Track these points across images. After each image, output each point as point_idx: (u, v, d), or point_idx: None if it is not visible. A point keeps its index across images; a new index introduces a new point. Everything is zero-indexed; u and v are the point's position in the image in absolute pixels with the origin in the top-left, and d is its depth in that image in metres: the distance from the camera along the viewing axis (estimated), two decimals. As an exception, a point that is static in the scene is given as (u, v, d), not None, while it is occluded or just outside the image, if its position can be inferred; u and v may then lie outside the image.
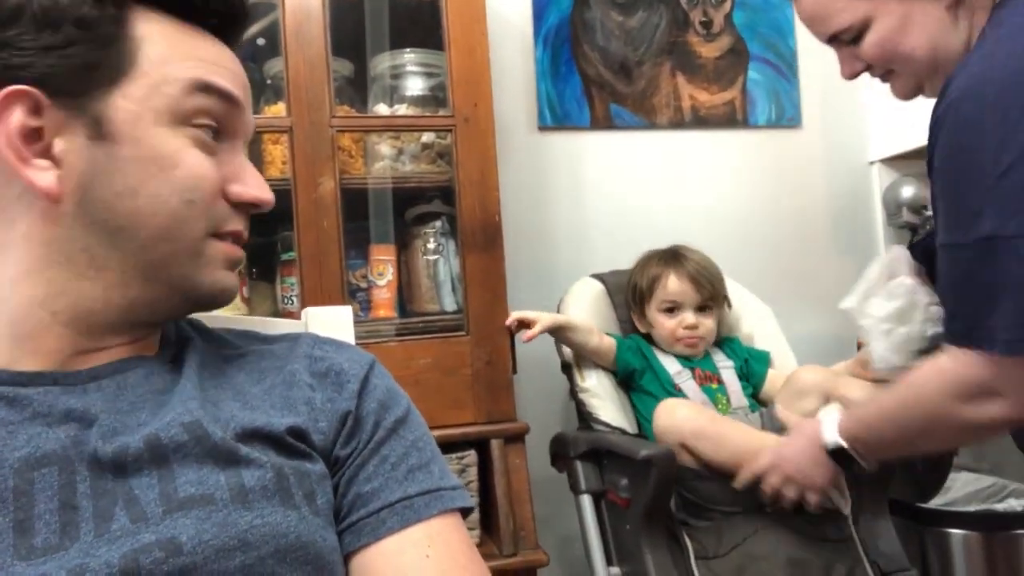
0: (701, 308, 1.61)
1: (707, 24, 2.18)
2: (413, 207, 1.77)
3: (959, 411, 0.94)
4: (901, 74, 0.98)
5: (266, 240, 1.67)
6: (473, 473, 1.60)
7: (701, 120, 2.17)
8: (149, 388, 0.58)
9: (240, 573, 0.51)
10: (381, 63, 1.76)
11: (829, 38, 1.00)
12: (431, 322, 1.65)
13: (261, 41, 1.63)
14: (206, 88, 0.58)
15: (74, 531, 0.50)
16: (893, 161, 2.24)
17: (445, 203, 1.73)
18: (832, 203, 2.26)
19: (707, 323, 1.61)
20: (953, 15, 0.91)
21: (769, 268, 2.11)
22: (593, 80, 2.09)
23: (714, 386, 1.59)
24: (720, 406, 1.56)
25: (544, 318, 1.60)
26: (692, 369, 1.60)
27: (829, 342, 2.00)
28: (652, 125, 2.13)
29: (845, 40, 0.98)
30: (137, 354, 0.60)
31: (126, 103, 0.55)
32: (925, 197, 2.07)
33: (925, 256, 1.04)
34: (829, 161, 2.27)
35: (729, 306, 1.72)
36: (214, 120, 0.59)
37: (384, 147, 1.71)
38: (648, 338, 1.67)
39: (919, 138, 2.09)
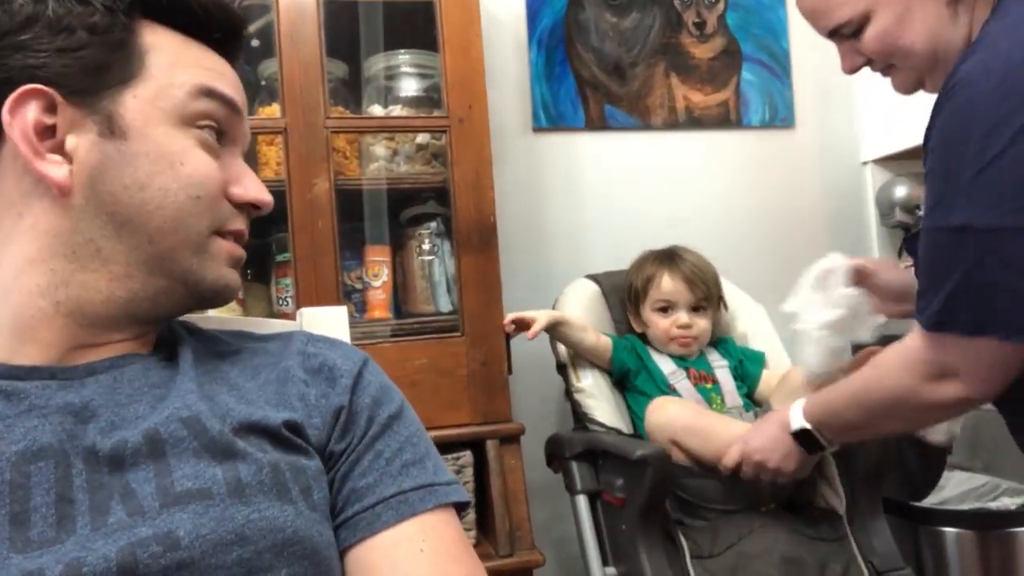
0: (695, 308, 1.62)
1: (700, 25, 2.19)
2: (408, 208, 1.77)
3: (920, 390, 0.97)
4: (902, 68, 0.98)
5: (261, 241, 1.67)
6: (469, 474, 1.60)
7: (695, 121, 2.18)
8: (146, 382, 0.59)
9: (237, 567, 0.51)
10: (375, 64, 1.76)
11: (830, 32, 1.00)
12: (426, 323, 1.66)
13: (255, 42, 1.63)
14: (210, 93, 0.61)
15: (70, 524, 0.50)
16: (886, 161, 2.25)
17: (440, 204, 1.73)
18: (825, 203, 2.27)
19: (701, 323, 1.62)
20: (953, 9, 0.91)
21: (763, 268, 2.11)
22: (587, 81, 2.10)
23: (709, 386, 1.59)
24: (715, 406, 1.56)
25: (542, 315, 1.61)
26: (687, 369, 1.60)
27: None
28: (646, 126, 2.14)
29: (846, 34, 0.98)
30: (133, 351, 0.61)
31: (136, 102, 0.58)
32: (918, 197, 2.08)
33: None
34: (822, 161, 2.28)
35: (725, 307, 1.73)
36: (217, 124, 0.62)
37: (379, 148, 1.71)
38: (643, 338, 1.67)
39: (912, 138, 2.12)
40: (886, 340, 1.95)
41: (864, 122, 2.28)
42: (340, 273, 1.57)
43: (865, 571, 1.40)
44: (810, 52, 2.26)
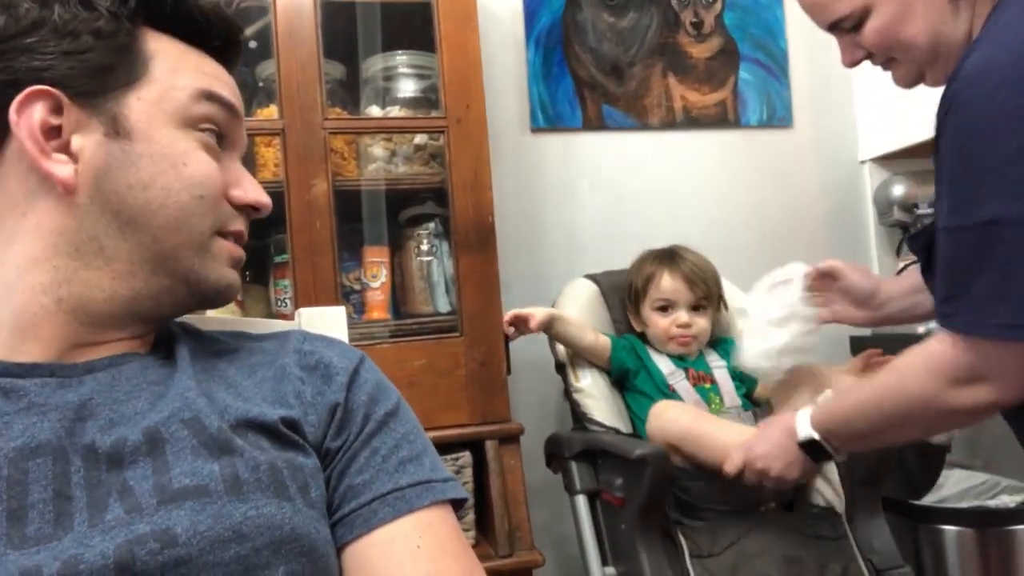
0: (695, 307, 1.62)
1: (698, 25, 2.19)
2: (406, 209, 1.77)
3: (946, 396, 0.94)
4: (902, 62, 0.97)
5: (259, 243, 1.67)
6: (468, 474, 1.60)
7: (693, 120, 2.18)
8: (144, 379, 0.59)
9: (235, 564, 0.51)
10: (373, 65, 1.76)
11: (830, 26, 0.99)
12: (425, 323, 1.66)
13: (253, 44, 1.63)
14: (211, 97, 0.62)
15: (68, 521, 0.50)
16: (884, 160, 2.25)
17: (438, 204, 1.73)
18: (823, 202, 2.27)
19: (700, 322, 1.62)
20: (954, 4, 0.91)
21: (761, 267, 2.09)
22: (585, 81, 2.10)
23: (707, 386, 1.59)
24: (714, 406, 1.56)
25: (540, 311, 1.61)
26: (686, 369, 1.61)
27: (821, 341, 2.00)
28: (644, 126, 2.14)
29: (846, 28, 0.97)
30: (132, 351, 0.62)
31: (140, 104, 0.60)
32: (915, 195, 2.08)
33: (925, 248, 1.01)
34: (820, 160, 2.28)
35: (725, 307, 1.73)
36: (217, 127, 0.63)
37: (377, 149, 1.71)
38: (643, 338, 1.67)
39: (909, 137, 2.12)
40: (884, 341, 1.96)
41: (862, 121, 2.29)
42: (339, 274, 1.57)
43: (865, 570, 1.40)
44: (808, 51, 2.26)
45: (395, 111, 1.72)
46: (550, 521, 1.84)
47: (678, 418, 1.44)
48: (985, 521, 1.60)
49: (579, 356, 1.65)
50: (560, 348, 1.67)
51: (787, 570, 1.33)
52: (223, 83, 0.65)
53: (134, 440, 0.54)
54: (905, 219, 2.12)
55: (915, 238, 1.07)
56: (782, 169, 2.24)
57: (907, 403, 1.00)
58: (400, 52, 1.74)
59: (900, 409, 1.01)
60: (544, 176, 2.06)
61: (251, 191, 0.65)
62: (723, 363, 1.64)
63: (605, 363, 1.64)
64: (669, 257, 1.64)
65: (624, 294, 1.71)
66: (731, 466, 1.28)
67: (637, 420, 1.60)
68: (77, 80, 0.58)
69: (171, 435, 0.55)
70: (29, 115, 0.57)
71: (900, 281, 1.30)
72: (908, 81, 1.00)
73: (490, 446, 1.59)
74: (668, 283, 1.61)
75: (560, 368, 1.68)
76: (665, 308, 1.62)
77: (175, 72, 0.61)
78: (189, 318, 0.71)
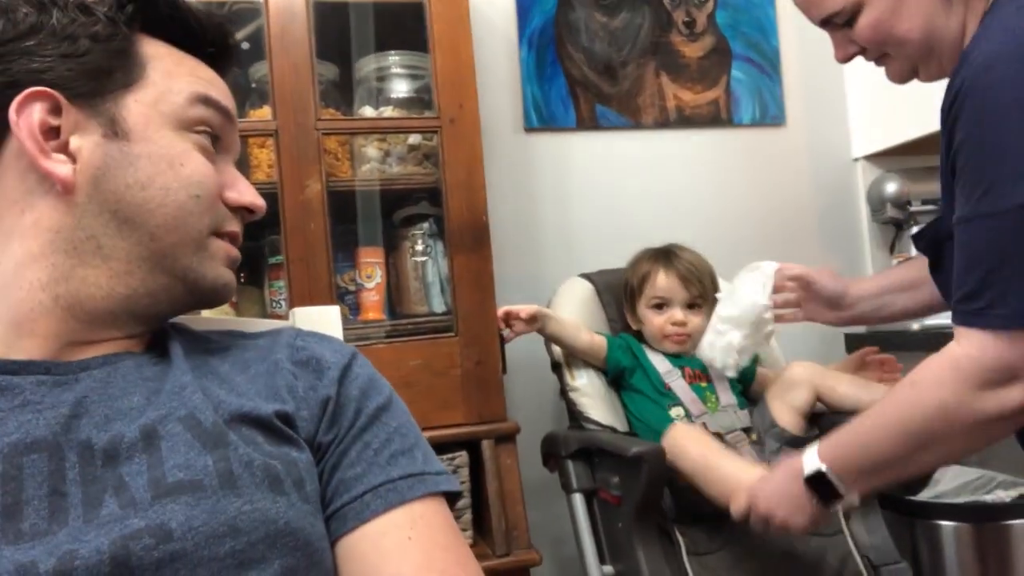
0: (690, 305, 1.62)
1: (690, 24, 2.19)
2: (400, 209, 1.77)
3: (975, 401, 0.86)
4: (896, 58, 0.97)
5: (254, 244, 1.66)
6: (465, 474, 1.60)
7: (686, 119, 2.18)
8: (140, 376, 0.60)
9: (230, 559, 0.51)
10: (366, 66, 1.76)
11: (822, 21, 0.98)
12: (420, 323, 1.65)
13: (246, 45, 1.63)
14: (206, 101, 0.64)
15: (63, 516, 0.50)
16: (877, 157, 2.26)
17: (432, 205, 1.73)
18: (817, 200, 2.28)
19: (696, 320, 1.62)
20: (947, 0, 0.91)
21: (756, 265, 2.12)
22: (578, 81, 2.10)
23: (703, 385, 1.60)
24: (709, 404, 1.56)
25: (531, 307, 1.61)
26: (682, 368, 1.61)
27: (815, 339, 2.01)
28: (637, 125, 2.14)
29: (838, 23, 0.96)
30: (127, 350, 0.62)
31: (138, 106, 0.61)
32: (908, 192, 2.09)
33: (933, 245, 0.98)
34: (813, 158, 2.28)
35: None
36: (212, 130, 0.65)
37: (370, 149, 1.71)
38: (639, 336, 1.67)
39: (902, 134, 2.13)
40: (879, 338, 1.96)
41: (854, 119, 2.30)
42: (333, 275, 1.57)
43: (861, 565, 1.40)
44: (800, 50, 2.27)
45: (388, 111, 1.72)
46: (547, 520, 1.84)
47: (688, 451, 1.38)
48: (981, 516, 1.60)
49: (575, 355, 1.65)
50: (556, 347, 1.67)
51: (784, 566, 1.34)
52: (218, 88, 0.66)
53: (131, 436, 0.54)
54: (898, 216, 2.13)
55: (919, 236, 1.05)
56: (775, 167, 2.25)
57: (930, 416, 0.90)
58: (393, 52, 1.74)
59: (922, 425, 0.91)
60: (538, 176, 2.06)
61: (246, 193, 0.67)
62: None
63: (601, 363, 1.64)
64: (665, 255, 1.65)
65: (621, 292, 1.72)
66: (737, 510, 1.19)
67: (633, 419, 1.60)
68: (75, 82, 0.59)
69: (167, 432, 0.55)
70: (28, 115, 0.58)
71: (869, 282, 1.30)
72: (901, 77, 0.99)
73: (486, 446, 1.59)
74: (663, 281, 1.62)
75: (556, 367, 1.68)
76: (660, 306, 1.62)
77: (171, 76, 0.63)
78: (182, 318, 0.71)
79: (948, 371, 0.88)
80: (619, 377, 1.63)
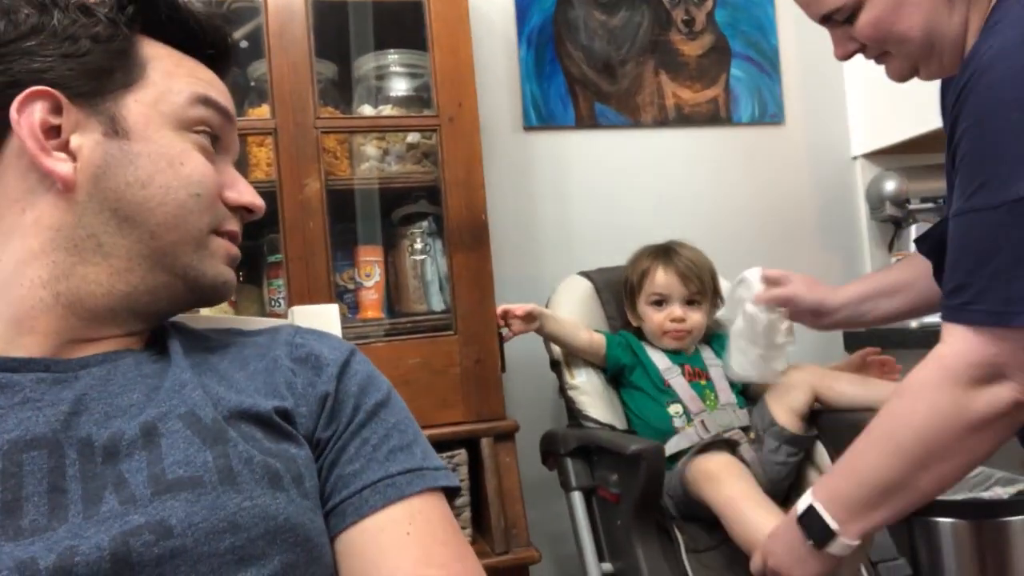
0: (689, 302, 1.63)
1: (689, 23, 2.19)
2: (399, 208, 1.77)
3: (965, 401, 0.83)
4: (896, 56, 0.95)
5: (253, 243, 1.66)
6: (464, 472, 1.60)
7: (685, 118, 2.18)
8: (139, 373, 0.60)
9: (230, 555, 0.52)
10: (365, 64, 1.76)
11: (822, 18, 0.97)
12: (419, 322, 1.65)
13: (244, 44, 1.63)
14: (206, 101, 0.65)
15: (62, 513, 0.50)
16: (876, 156, 2.26)
17: (431, 203, 1.73)
18: (816, 198, 2.28)
19: (695, 317, 1.62)
20: None
21: (754, 264, 2.09)
22: (577, 79, 2.10)
23: (703, 383, 1.60)
24: (708, 402, 1.57)
25: (526, 305, 1.61)
26: (681, 365, 1.61)
27: (814, 337, 1.99)
28: (636, 123, 2.14)
29: (839, 20, 0.95)
30: (126, 347, 0.62)
31: (138, 106, 0.62)
32: (907, 190, 2.09)
33: (937, 246, 0.96)
34: (812, 157, 2.29)
35: (722, 302, 1.73)
36: (212, 131, 0.65)
37: (369, 148, 1.71)
38: (639, 333, 1.68)
39: (901, 132, 2.13)
40: (879, 337, 1.96)
41: (853, 117, 2.30)
42: (332, 273, 1.57)
43: (860, 562, 1.40)
44: (799, 48, 2.27)
45: (387, 110, 1.72)
46: (546, 518, 1.84)
47: (721, 489, 1.35)
48: (979, 513, 1.60)
49: (575, 354, 1.66)
50: (555, 345, 1.67)
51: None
52: (217, 89, 0.67)
53: (131, 433, 0.54)
54: (897, 214, 2.13)
55: (923, 239, 1.04)
56: (774, 166, 2.25)
57: (921, 424, 0.86)
58: (392, 51, 1.74)
59: (914, 436, 0.87)
60: (537, 174, 2.06)
61: (246, 193, 0.67)
62: (718, 360, 1.64)
63: (600, 360, 1.64)
64: (664, 252, 1.65)
65: (620, 290, 1.72)
66: (754, 569, 1.12)
67: (633, 416, 1.60)
68: (76, 81, 0.59)
69: (167, 429, 0.55)
70: (29, 114, 0.58)
71: (848, 290, 1.27)
72: (902, 75, 0.98)
73: (485, 444, 1.59)
74: (662, 278, 1.62)
75: (555, 365, 1.68)
76: (659, 303, 1.63)
77: (171, 76, 0.63)
78: (181, 317, 0.71)
79: (935, 371, 0.86)
80: (618, 374, 1.64)
